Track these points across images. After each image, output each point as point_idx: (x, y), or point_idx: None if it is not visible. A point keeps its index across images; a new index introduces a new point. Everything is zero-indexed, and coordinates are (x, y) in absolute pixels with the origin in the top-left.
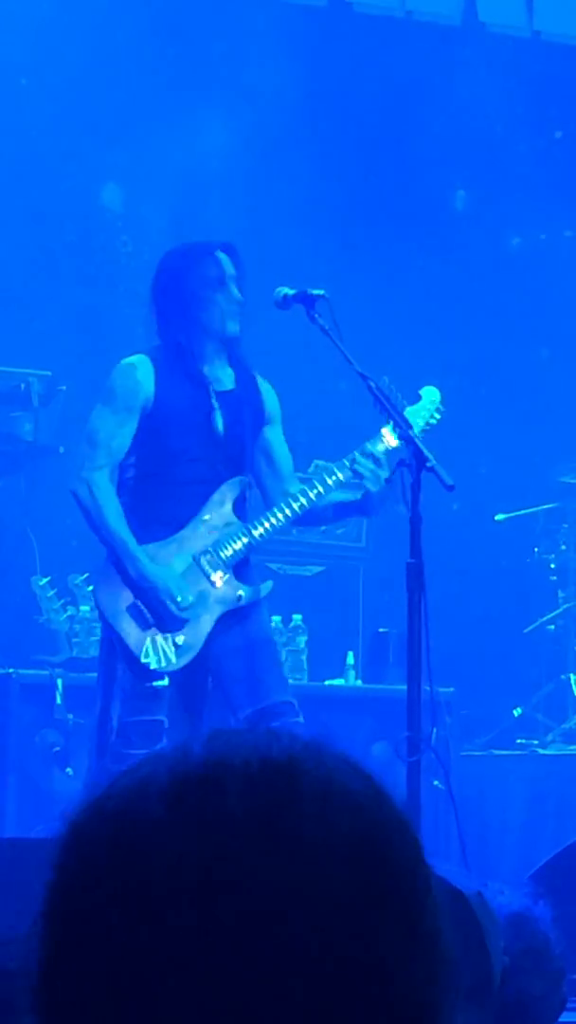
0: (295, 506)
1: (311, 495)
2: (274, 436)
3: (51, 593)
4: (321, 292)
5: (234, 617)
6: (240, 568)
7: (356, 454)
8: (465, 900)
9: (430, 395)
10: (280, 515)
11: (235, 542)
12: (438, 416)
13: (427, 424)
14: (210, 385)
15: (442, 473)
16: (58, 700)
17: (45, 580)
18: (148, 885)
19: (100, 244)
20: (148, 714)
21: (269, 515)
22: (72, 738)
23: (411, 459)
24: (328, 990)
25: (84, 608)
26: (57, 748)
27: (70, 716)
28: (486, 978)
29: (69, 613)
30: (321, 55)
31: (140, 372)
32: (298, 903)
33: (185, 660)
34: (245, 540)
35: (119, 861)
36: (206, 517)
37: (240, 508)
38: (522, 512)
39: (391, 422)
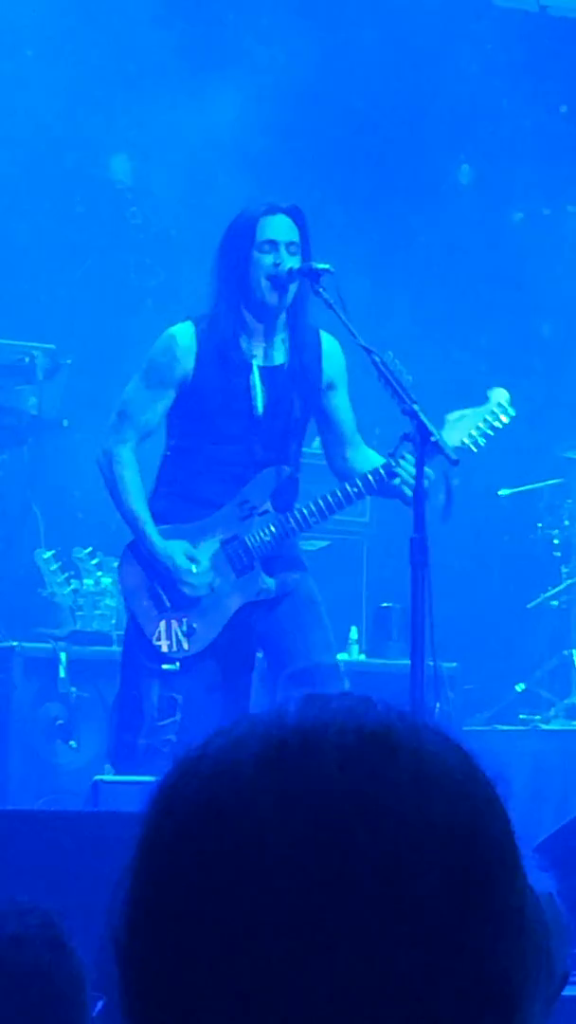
0: (331, 501)
1: (351, 491)
2: (335, 402)
3: (55, 567)
4: (326, 266)
5: (273, 601)
6: (270, 558)
7: (402, 453)
8: (536, 901)
9: (497, 396)
10: (315, 509)
11: (265, 533)
12: (505, 419)
13: (491, 427)
14: (251, 361)
15: (446, 448)
16: (62, 673)
17: (49, 553)
18: (240, 849)
19: (109, 216)
20: (167, 690)
21: (304, 508)
22: (75, 711)
23: (415, 433)
24: (416, 969)
25: (88, 581)
26: (60, 721)
27: (73, 689)
28: (545, 981)
29: (73, 587)
30: (329, 27)
31: (179, 344)
32: (389, 878)
33: (198, 647)
34: (275, 531)
35: (212, 824)
36: (241, 503)
37: (279, 497)
38: (526, 488)
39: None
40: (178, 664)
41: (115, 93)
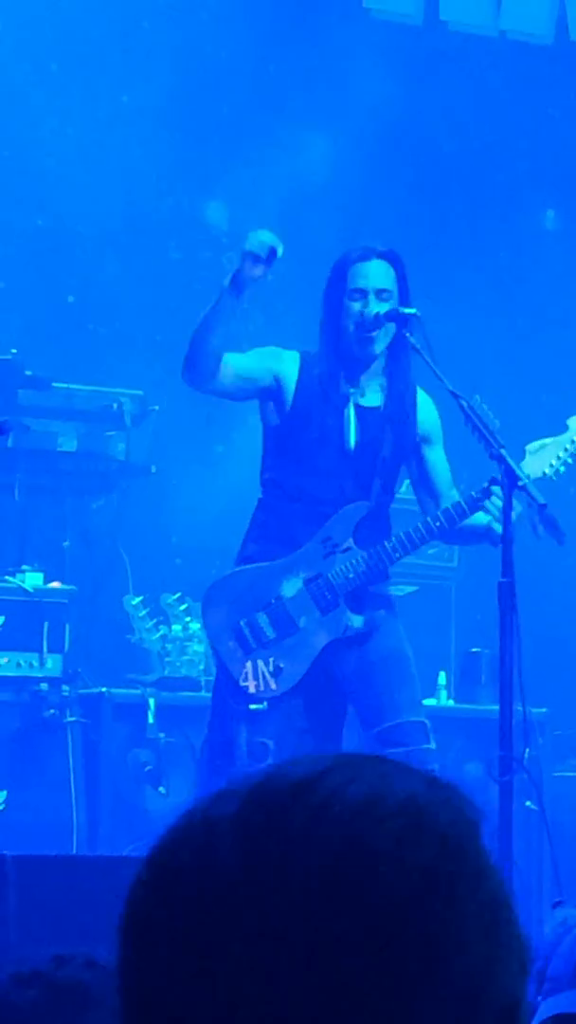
0: (414, 536)
1: (433, 525)
2: (430, 455)
3: (143, 612)
4: (413, 310)
5: (360, 638)
6: (355, 595)
7: (490, 488)
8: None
9: None
10: (398, 544)
11: (348, 569)
12: None
13: (572, 455)
14: (349, 398)
15: (534, 492)
16: (150, 719)
17: (138, 599)
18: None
19: (204, 261)
20: (258, 735)
21: (387, 543)
22: (164, 757)
23: (503, 478)
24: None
25: (176, 627)
26: (149, 767)
27: (162, 735)
28: None
29: (161, 632)
30: (415, 73)
31: (284, 360)
32: (283, 941)
33: (286, 686)
34: (359, 567)
35: (187, 910)
36: (324, 540)
37: (362, 533)
38: None
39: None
40: (265, 704)
41: (209, 139)
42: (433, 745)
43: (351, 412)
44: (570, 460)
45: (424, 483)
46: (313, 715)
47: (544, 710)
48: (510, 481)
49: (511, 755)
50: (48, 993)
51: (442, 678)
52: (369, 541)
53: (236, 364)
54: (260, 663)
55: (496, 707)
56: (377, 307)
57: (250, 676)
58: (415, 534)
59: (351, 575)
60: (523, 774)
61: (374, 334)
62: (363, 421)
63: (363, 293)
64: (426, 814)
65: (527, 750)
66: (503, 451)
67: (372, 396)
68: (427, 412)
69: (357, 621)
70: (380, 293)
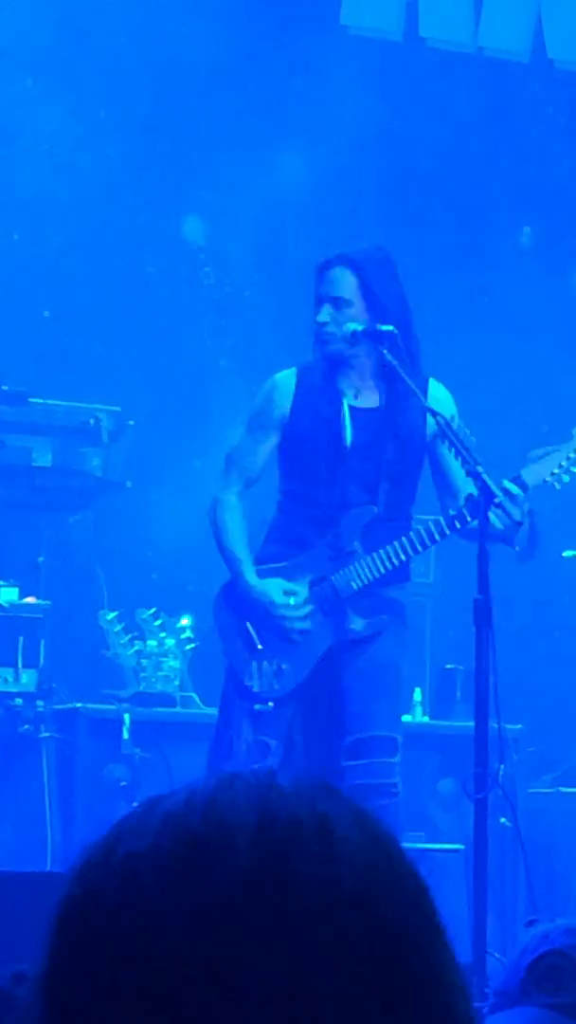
0: (416, 540)
1: (434, 530)
2: (443, 450)
3: (119, 628)
4: (390, 328)
5: (363, 642)
6: (358, 599)
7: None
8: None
9: None
10: (401, 548)
11: (352, 573)
12: None
13: (575, 464)
14: (343, 399)
15: (510, 509)
16: (125, 735)
17: (113, 615)
18: (143, 961)
19: (181, 276)
20: (261, 735)
21: (391, 547)
22: (139, 773)
23: (480, 494)
24: None
25: (151, 642)
26: (124, 783)
27: (137, 751)
28: None
29: (136, 648)
30: (395, 89)
31: (279, 388)
32: (299, 972)
33: (288, 687)
34: (364, 572)
35: (117, 932)
36: (330, 543)
37: (369, 537)
38: None
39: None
40: (271, 704)
41: (187, 154)
42: (397, 759)
43: (345, 412)
44: (574, 469)
45: (439, 479)
46: (310, 728)
47: (519, 726)
48: (486, 498)
49: (486, 772)
50: (5, 1011)
51: (417, 694)
52: (379, 545)
53: (252, 465)
54: (264, 663)
55: (471, 723)
56: (331, 315)
57: (255, 676)
58: (416, 539)
59: (355, 578)
60: (498, 791)
61: (330, 347)
62: (358, 421)
63: (319, 300)
64: (339, 839)
65: (502, 767)
66: (479, 468)
67: (367, 397)
68: (442, 405)
69: (359, 624)
70: (336, 301)
